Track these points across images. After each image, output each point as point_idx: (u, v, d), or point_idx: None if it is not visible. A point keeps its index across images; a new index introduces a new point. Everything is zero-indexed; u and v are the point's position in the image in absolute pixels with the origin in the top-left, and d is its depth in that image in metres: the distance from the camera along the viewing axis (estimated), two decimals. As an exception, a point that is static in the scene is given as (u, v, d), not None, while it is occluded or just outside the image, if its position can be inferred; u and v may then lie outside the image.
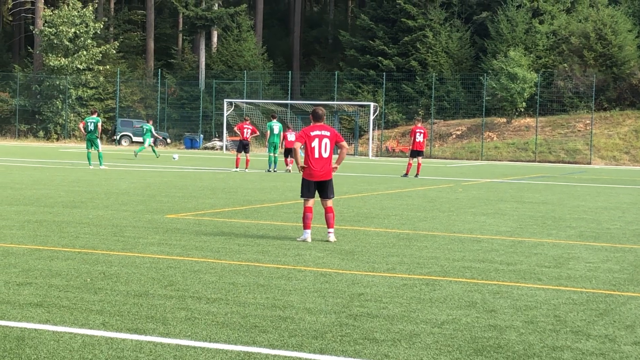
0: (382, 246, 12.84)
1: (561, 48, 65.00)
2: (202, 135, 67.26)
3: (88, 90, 71.57)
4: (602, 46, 62.29)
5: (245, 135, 34.28)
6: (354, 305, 8.51)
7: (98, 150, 32.96)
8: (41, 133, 71.00)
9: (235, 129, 40.05)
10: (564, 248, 13.27)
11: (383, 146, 63.74)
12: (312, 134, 13.43)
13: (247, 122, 35.11)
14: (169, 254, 11.51)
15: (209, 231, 14.01)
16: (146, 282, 9.39)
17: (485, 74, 63.07)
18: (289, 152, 37.25)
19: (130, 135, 67.69)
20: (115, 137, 68.08)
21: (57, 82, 70.23)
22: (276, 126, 35.78)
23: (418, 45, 68.79)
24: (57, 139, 70.21)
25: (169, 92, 73.61)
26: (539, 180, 33.77)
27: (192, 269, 10.37)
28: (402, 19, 69.89)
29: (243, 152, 34.28)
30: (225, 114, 63.05)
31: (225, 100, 64.32)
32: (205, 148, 65.34)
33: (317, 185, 13.52)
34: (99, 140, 33.09)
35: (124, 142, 67.06)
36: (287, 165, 35.16)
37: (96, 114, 35.33)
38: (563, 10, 67.64)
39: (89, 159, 33.42)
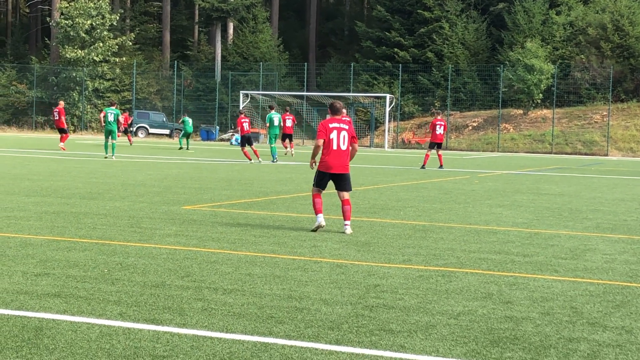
0: (398, 237, 12.84)
1: (578, 39, 64.69)
2: (218, 127, 67.35)
3: (104, 82, 71.79)
4: (620, 37, 61.96)
5: (245, 129, 33.97)
6: (370, 297, 8.52)
7: (113, 141, 33.35)
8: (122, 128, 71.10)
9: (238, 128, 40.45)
10: (580, 240, 13.24)
11: (399, 138, 63.66)
12: (331, 126, 13.44)
13: (243, 116, 34.75)
14: (186, 245, 11.55)
15: (225, 222, 14.05)
16: (163, 273, 9.43)
17: (501, 65, 62.86)
18: (286, 136, 37.63)
19: (147, 126, 67.87)
20: (131, 128, 68.27)
21: (74, 74, 70.46)
22: (276, 117, 36.50)
23: (434, 37, 68.64)
24: (74, 131, 70.42)
25: (185, 84, 73.73)
26: (556, 172, 33.67)
27: (209, 260, 10.40)
28: (418, 10, 69.73)
29: (247, 145, 33.97)
30: (241, 106, 63.05)
31: (241, 92, 64.39)
32: (222, 140, 65.43)
33: (332, 178, 13.53)
34: (117, 132, 33.68)
35: (141, 134, 67.20)
36: (285, 148, 35.57)
37: (115, 105, 35.79)
38: (580, 1, 67.33)
39: (105, 148, 33.69)
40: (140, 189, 19.86)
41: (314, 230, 13.18)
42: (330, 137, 13.36)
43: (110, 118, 33.69)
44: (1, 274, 9.14)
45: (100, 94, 71.55)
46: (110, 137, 33.51)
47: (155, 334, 6.93)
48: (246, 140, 33.75)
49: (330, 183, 13.70)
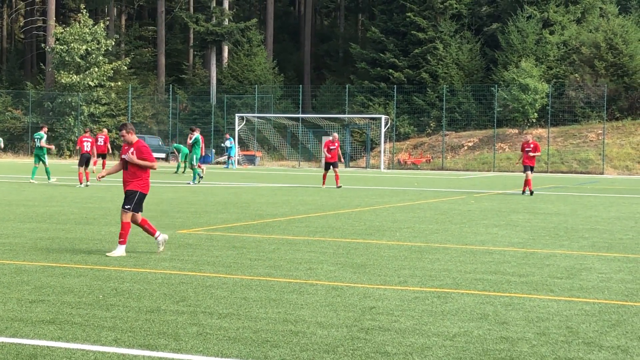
0: (393, 259, 12.83)
1: (572, 58, 64.93)
2: (213, 150, 67.41)
3: (100, 107, 71.87)
4: (613, 56, 62.19)
5: (85, 149, 32.54)
6: (366, 319, 8.51)
7: (45, 165, 33.30)
8: (54, 150, 71.25)
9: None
10: (576, 259, 13.24)
11: (395, 159, 63.71)
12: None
13: (86, 135, 33.55)
14: (181, 269, 11.53)
15: (220, 246, 14.03)
16: (158, 298, 9.41)
17: (496, 85, 63.05)
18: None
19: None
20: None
21: (69, 99, 70.55)
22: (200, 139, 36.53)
23: (428, 57, 68.86)
24: (70, 156, 70.45)
25: (181, 108, 73.82)
26: (552, 191, 33.70)
27: (204, 284, 10.38)
28: (412, 32, 69.99)
29: (85, 167, 32.11)
30: (236, 129, 63.21)
31: (236, 114, 64.53)
32: (218, 163, 65.47)
33: None
34: (46, 156, 33.52)
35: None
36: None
37: (44, 129, 35.11)
38: (573, 21, 67.61)
39: (33, 173, 33.07)
40: (136, 214, 19.81)
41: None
42: None
43: (38, 143, 33.51)
44: (-4, 301, 9.11)
45: (96, 119, 71.59)
46: (39, 162, 33.20)
47: (150, 359, 6.90)
48: (85, 160, 32.19)
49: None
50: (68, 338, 7.53)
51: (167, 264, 11.98)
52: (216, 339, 7.59)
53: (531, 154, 30.61)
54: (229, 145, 58.76)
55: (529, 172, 30.29)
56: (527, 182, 30.28)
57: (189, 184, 34.04)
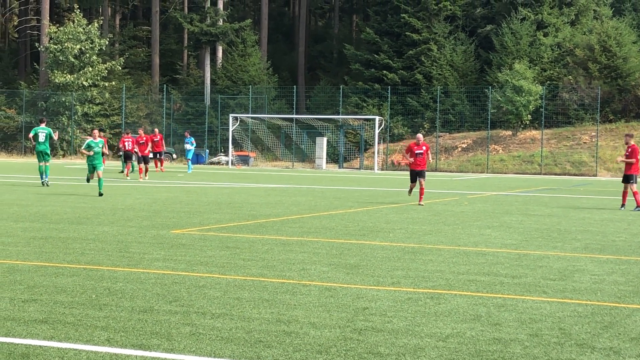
0: (387, 260, 12.84)
1: (566, 60, 65.04)
2: (207, 150, 67.36)
3: (94, 107, 71.74)
4: (607, 58, 62.30)
5: (127, 148, 38.86)
6: (359, 320, 8.51)
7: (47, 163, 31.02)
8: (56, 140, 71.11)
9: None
10: (569, 260, 13.26)
11: (389, 160, 63.74)
12: None
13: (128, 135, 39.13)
14: (174, 269, 11.52)
15: (214, 246, 14.03)
16: (151, 298, 9.41)
17: (490, 87, 63.11)
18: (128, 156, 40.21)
19: (137, 151, 67.75)
20: (107, 153, 68.18)
21: (63, 99, 70.43)
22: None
23: (423, 59, 68.92)
24: (63, 156, 70.34)
25: (175, 108, 73.77)
26: (545, 193, 33.74)
27: (197, 284, 10.38)
28: (406, 33, 70.02)
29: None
30: (230, 129, 63.19)
31: (230, 115, 64.51)
32: (211, 163, 65.44)
33: None
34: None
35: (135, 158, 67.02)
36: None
37: (44, 123, 32.38)
38: (567, 23, 67.71)
39: (46, 172, 31.19)
40: (129, 214, 19.82)
41: None
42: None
43: (42, 138, 31.05)
44: (-12, 301, 9.10)
45: (90, 119, 71.50)
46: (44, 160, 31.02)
47: (143, 359, 6.90)
48: (127, 157, 38.88)
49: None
50: (61, 338, 7.53)
51: (160, 263, 11.98)
52: (209, 339, 7.59)
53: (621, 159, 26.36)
54: (188, 147, 49.62)
55: (632, 184, 25.03)
56: (628, 195, 25.53)
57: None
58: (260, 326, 8.13)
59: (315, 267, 11.92)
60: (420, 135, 26.22)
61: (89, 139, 26.96)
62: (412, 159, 25.51)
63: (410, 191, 26.41)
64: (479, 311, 9.07)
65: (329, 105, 71.47)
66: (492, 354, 7.28)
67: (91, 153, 26.56)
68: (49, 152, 31.35)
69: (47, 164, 31.11)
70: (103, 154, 26.79)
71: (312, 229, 17.19)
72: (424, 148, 25.54)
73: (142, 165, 38.78)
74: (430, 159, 26.15)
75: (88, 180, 29.02)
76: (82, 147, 27.39)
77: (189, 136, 49.54)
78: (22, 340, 7.40)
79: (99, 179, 26.06)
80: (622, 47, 62.46)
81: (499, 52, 66.58)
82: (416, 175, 25.46)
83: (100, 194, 25.42)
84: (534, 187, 38.96)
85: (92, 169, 26.84)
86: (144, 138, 41.26)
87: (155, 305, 9.00)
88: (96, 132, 27.53)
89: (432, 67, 68.46)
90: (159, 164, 44.76)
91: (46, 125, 32.34)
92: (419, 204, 24.55)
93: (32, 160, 65.59)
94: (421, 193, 25.13)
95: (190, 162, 48.54)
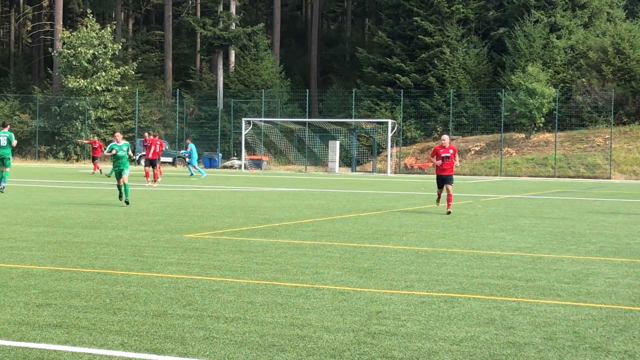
0: (400, 263, 12.82)
1: (579, 63, 64.86)
2: (220, 155, 67.47)
3: (107, 111, 71.99)
4: (620, 60, 62.11)
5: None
6: (372, 323, 8.50)
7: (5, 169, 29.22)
8: (61, 154, 71.44)
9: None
10: (583, 264, 13.21)
11: (402, 163, 63.69)
12: None
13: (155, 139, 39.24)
14: (188, 273, 11.53)
15: (227, 250, 14.04)
16: (165, 302, 9.42)
17: (503, 90, 63.00)
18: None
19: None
20: (134, 157, 68.46)
21: (77, 104, 70.69)
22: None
23: (435, 62, 68.85)
24: (77, 160, 70.60)
25: (188, 112, 73.92)
26: (559, 196, 33.65)
27: (211, 288, 10.39)
28: (419, 36, 69.96)
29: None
30: (243, 133, 63.28)
31: (243, 119, 64.61)
32: (224, 167, 65.52)
33: None
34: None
35: (143, 162, 67.23)
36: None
37: (7, 127, 30.00)
38: (580, 25, 67.53)
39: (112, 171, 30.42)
40: (143, 218, 19.86)
41: None
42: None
43: (3, 142, 29.03)
44: (3, 305, 9.13)
45: (103, 123, 71.74)
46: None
47: (156, 363, 6.91)
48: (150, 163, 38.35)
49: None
50: (75, 342, 7.54)
51: (173, 268, 11.99)
52: (223, 343, 7.59)
53: None
54: (186, 154, 50.48)
55: None
56: None
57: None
58: (273, 330, 8.13)
59: (329, 271, 11.92)
60: (446, 137, 24.01)
61: (112, 142, 25.75)
62: (439, 162, 23.40)
63: (438, 199, 24.43)
64: (493, 315, 9.04)
65: (341, 108, 71.46)
66: (506, 358, 7.26)
67: (113, 152, 25.09)
68: (9, 157, 29.22)
69: (7, 169, 29.15)
70: (129, 157, 25.04)
71: (325, 232, 17.19)
72: (451, 151, 23.50)
73: (150, 170, 38.58)
74: (457, 162, 23.84)
75: (108, 176, 28.87)
76: (106, 151, 26.30)
77: (190, 142, 48.85)
78: (37, 345, 7.42)
79: (125, 185, 24.11)
80: (636, 50, 62.27)
81: (511, 55, 66.45)
82: (442, 181, 23.51)
83: (127, 202, 23.90)
84: (547, 190, 38.85)
85: (119, 174, 24.60)
86: (149, 141, 41.06)
87: (169, 310, 9.01)
88: (118, 134, 25.69)
89: (444, 70, 68.38)
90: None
91: (9, 129, 29.98)
92: (447, 212, 22.67)
93: (46, 164, 65.86)
94: (449, 200, 23.00)
95: (200, 167, 48.82)
